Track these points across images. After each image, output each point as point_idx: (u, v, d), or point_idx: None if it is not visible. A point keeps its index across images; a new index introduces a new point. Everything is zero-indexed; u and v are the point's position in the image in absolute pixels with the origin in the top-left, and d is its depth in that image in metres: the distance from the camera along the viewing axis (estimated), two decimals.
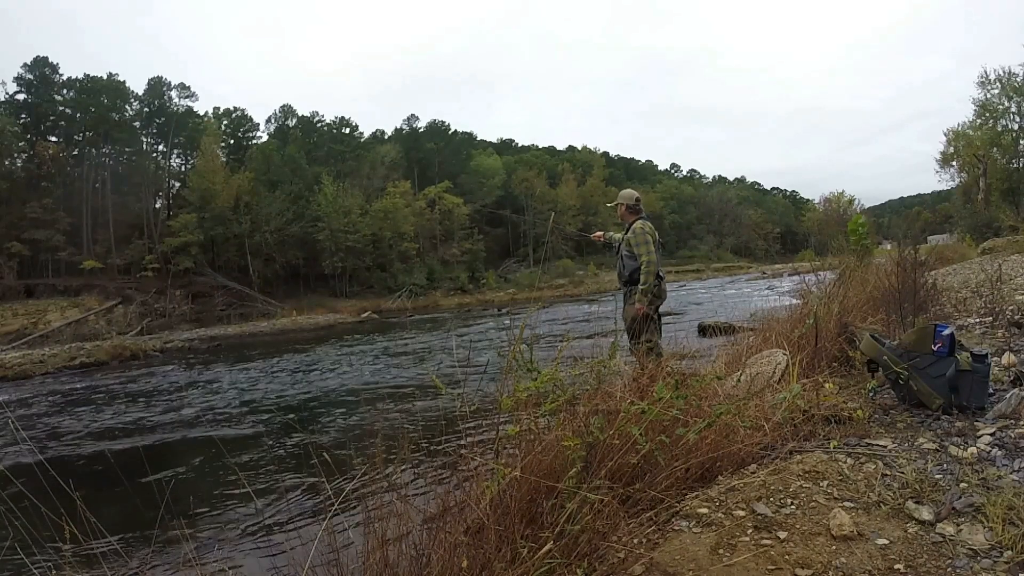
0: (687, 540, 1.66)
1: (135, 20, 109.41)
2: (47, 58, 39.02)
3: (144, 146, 43.05)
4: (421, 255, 45.31)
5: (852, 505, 1.76)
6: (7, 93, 37.93)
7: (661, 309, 4.32)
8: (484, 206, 51.99)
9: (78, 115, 39.25)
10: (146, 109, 42.52)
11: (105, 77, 40.11)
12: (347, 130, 51.31)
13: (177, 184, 43.69)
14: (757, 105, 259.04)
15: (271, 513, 3.86)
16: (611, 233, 4.86)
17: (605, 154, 72.80)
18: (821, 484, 1.90)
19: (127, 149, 41.95)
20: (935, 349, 2.53)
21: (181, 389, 10.31)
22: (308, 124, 50.10)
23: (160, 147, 43.85)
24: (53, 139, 38.91)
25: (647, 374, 2.72)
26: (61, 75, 39.34)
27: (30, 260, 33.71)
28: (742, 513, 1.77)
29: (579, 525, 1.56)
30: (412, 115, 59.56)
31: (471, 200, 50.38)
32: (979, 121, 28.66)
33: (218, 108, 47.34)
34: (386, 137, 55.54)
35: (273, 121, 49.91)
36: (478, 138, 64.17)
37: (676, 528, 1.74)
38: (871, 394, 2.87)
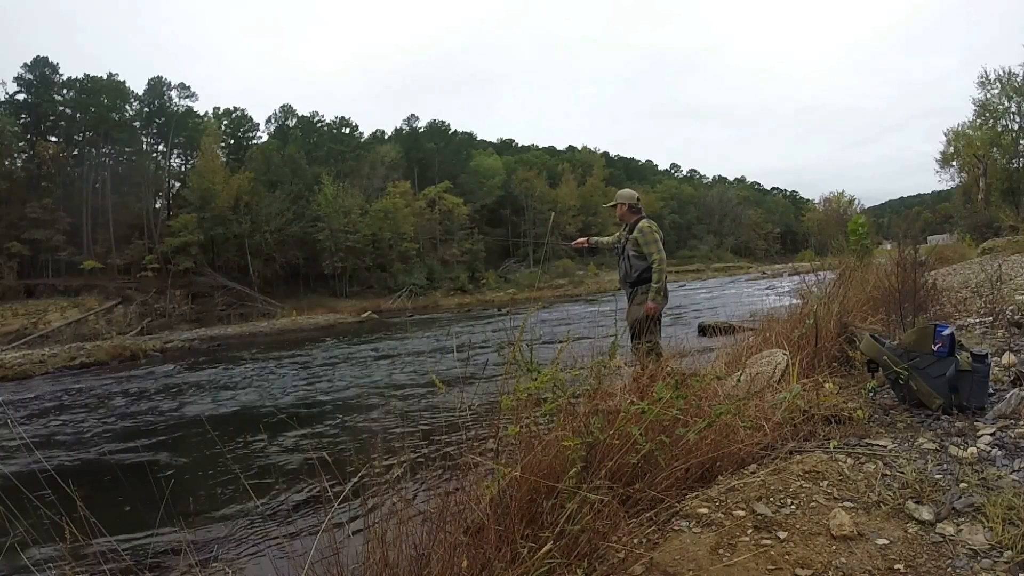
0: (687, 540, 1.66)
1: (134, 20, 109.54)
2: (47, 58, 39.10)
3: (144, 146, 43.07)
4: (421, 255, 45.33)
5: (852, 505, 1.76)
6: (7, 93, 38.02)
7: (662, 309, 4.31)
8: (483, 206, 52.09)
9: (78, 115, 39.27)
10: (146, 109, 42.55)
11: (105, 77, 40.13)
12: (347, 130, 51.34)
13: (177, 184, 43.71)
14: (758, 105, 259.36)
15: (271, 513, 3.85)
16: (596, 237, 4.80)
17: (605, 154, 72.88)
18: (821, 484, 1.90)
19: (127, 149, 41.97)
20: (935, 349, 2.53)
21: (181, 389, 10.31)
22: (308, 124, 50.11)
23: (160, 147, 43.89)
24: (53, 139, 38.92)
25: (647, 374, 2.72)
26: (61, 75, 39.39)
27: (30, 260, 33.71)
28: (742, 513, 1.77)
29: (579, 525, 1.56)
30: (412, 115, 59.66)
31: (471, 200, 50.42)
32: (979, 121, 28.71)
33: (218, 108, 47.45)
34: (386, 137, 55.56)
35: (273, 121, 49.98)
36: (478, 138, 64.28)
37: (676, 528, 1.74)
38: (871, 394, 2.87)
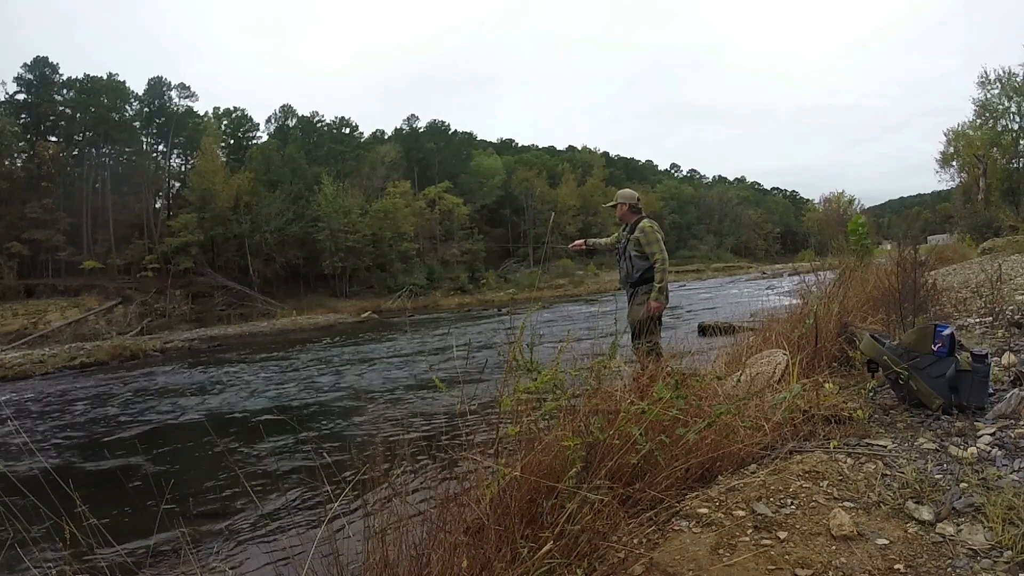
0: (687, 540, 1.66)
1: (135, 20, 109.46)
2: (47, 58, 39.00)
3: (144, 146, 43.01)
4: (421, 255, 45.32)
5: (852, 505, 1.76)
6: (7, 93, 37.93)
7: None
8: (483, 206, 52.12)
9: (78, 115, 39.21)
10: (146, 109, 42.49)
11: (105, 77, 40.09)
12: (347, 130, 51.32)
13: (177, 184, 43.67)
14: (758, 105, 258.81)
15: (271, 513, 3.85)
16: (593, 239, 4.80)
17: (605, 154, 72.83)
18: (821, 484, 1.90)
19: (127, 149, 41.91)
20: (935, 349, 2.53)
21: (181, 389, 10.31)
22: (308, 124, 50.08)
23: (160, 147, 43.83)
24: (53, 139, 38.86)
25: (647, 374, 2.72)
26: (61, 75, 39.32)
27: (30, 260, 33.68)
28: (742, 513, 1.77)
29: (579, 525, 1.56)
30: (412, 115, 59.60)
31: (471, 200, 50.42)
32: (979, 121, 28.70)
33: (218, 108, 47.35)
34: (386, 137, 55.53)
35: (273, 121, 49.94)
36: (478, 138, 64.18)
37: (676, 528, 1.74)
38: (871, 394, 2.87)
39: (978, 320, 4.49)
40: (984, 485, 1.79)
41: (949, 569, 1.44)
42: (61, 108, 39.36)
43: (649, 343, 3.85)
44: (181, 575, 2.68)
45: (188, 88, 44.21)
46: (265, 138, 48.09)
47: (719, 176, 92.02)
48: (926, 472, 1.91)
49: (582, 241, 4.77)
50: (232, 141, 47.09)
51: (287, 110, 50.24)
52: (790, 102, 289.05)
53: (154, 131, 43.20)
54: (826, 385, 2.83)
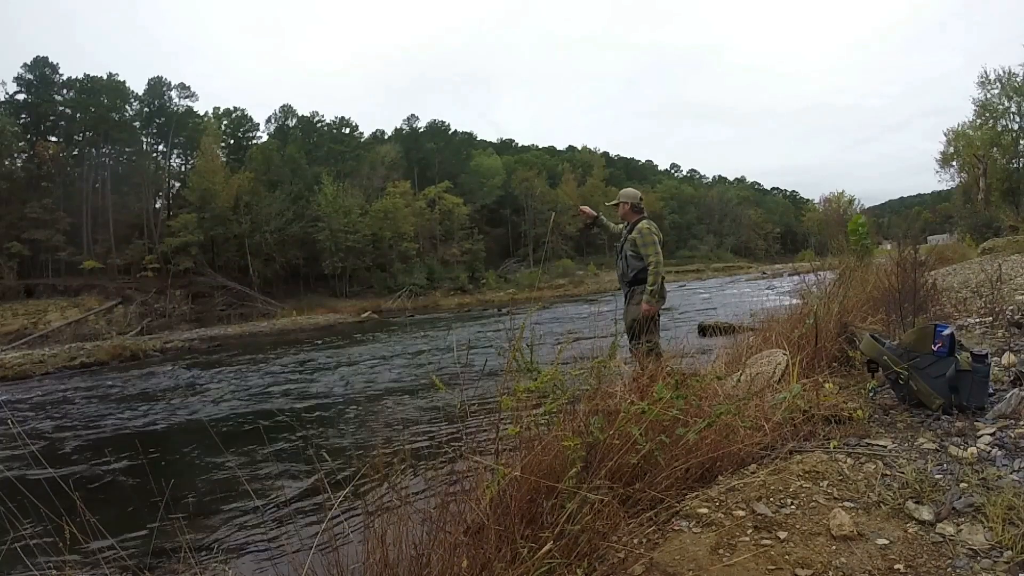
0: (687, 540, 1.66)
1: (134, 20, 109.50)
2: (47, 58, 39.08)
3: (144, 146, 43.05)
4: (421, 255, 45.34)
5: (852, 505, 1.76)
6: (7, 93, 37.98)
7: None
8: (483, 206, 52.14)
9: (78, 115, 39.24)
10: (146, 109, 42.52)
11: (105, 77, 40.13)
12: (347, 130, 51.35)
13: (177, 184, 43.70)
14: (758, 105, 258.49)
15: (271, 513, 3.85)
16: (603, 218, 4.54)
17: (605, 154, 72.92)
18: (821, 484, 1.90)
19: (127, 149, 41.95)
20: (935, 349, 2.53)
21: (181, 389, 10.31)
22: (308, 124, 50.11)
23: (160, 147, 43.87)
24: (53, 139, 38.87)
25: (647, 374, 2.72)
26: (61, 75, 39.38)
27: (30, 260, 33.70)
28: (742, 513, 1.77)
29: (579, 525, 1.56)
30: (412, 115, 59.72)
31: (471, 200, 50.45)
32: (979, 121, 28.67)
33: (218, 108, 47.40)
34: (386, 137, 55.60)
35: (273, 121, 49.98)
36: (478, 138, 64.31)
37: (676, 528, 1.74)
38: (871, 394, 2.87)
39: (978, 320, 4.49)
40: (984, 485, 1.79)
41: (949, 569, 1.44)
42: (61, 108, 39.40)
43: (648, 343, 3.85)
44: (181, 575, 2.68)
45: (188, 88, 44.31)
46: (265, 138, 48.18)
47: (719, 176, 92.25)
48: (926, 472, 1.91)
49: (594, 213, 4.51)
50: (232, 141, 47.11)
51: (287, 110, 50.30)
52: (790, 102, 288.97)
53: (154, 131, 43.22)
54: (826, 385, 2.83)
